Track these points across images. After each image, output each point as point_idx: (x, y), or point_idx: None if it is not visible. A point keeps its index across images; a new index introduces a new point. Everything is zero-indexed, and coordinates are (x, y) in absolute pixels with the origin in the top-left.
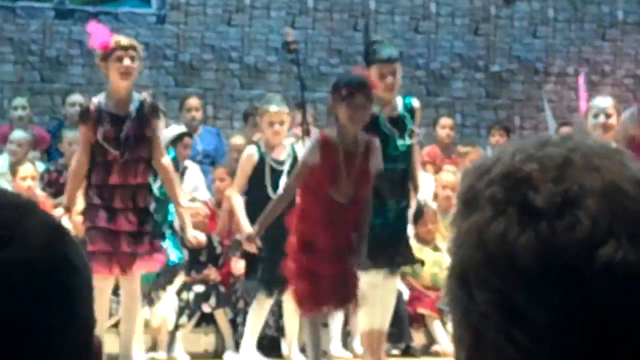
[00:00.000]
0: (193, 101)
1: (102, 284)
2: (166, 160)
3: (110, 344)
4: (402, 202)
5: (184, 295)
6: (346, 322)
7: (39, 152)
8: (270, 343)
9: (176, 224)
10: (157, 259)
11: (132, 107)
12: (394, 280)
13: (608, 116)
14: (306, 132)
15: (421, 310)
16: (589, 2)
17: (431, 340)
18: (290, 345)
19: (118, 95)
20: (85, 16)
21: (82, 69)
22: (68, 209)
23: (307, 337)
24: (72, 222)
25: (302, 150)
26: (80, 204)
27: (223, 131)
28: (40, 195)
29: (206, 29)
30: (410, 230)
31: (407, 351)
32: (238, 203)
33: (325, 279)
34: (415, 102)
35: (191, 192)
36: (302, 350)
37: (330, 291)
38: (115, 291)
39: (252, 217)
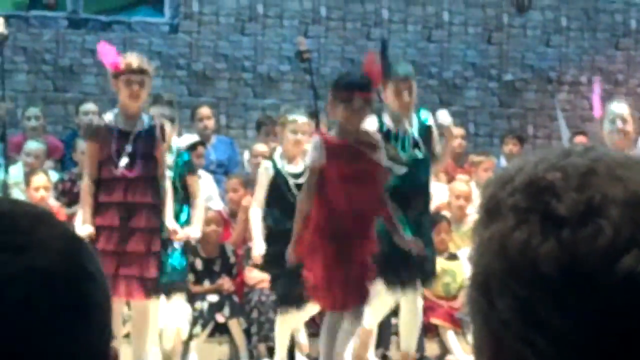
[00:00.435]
0: (204, 110)
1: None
2: (165, 183)
3: (123, 355)
4: (417, 214)
5: (198, 305)
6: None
7: (52, 161)
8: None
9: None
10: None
11: (141, 126)
12: (415, 298)
13: (625, 121)
14: None
15: (434, 320)
16: (602, 11)
17: (445, 350)
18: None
19: (128, 113)
20: (99, 25)
21: (95, 78)
22: (91, 238)
23: (322, 341)
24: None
25: None
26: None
27: (236, 140)
28: (54, 205)
29: (219, 38)
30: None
31: None
32: (255, 218)
33: (357, 265)
34: (431, 119)
35: (205, 202)
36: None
37: (357, 279)
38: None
39: (276, 230)
